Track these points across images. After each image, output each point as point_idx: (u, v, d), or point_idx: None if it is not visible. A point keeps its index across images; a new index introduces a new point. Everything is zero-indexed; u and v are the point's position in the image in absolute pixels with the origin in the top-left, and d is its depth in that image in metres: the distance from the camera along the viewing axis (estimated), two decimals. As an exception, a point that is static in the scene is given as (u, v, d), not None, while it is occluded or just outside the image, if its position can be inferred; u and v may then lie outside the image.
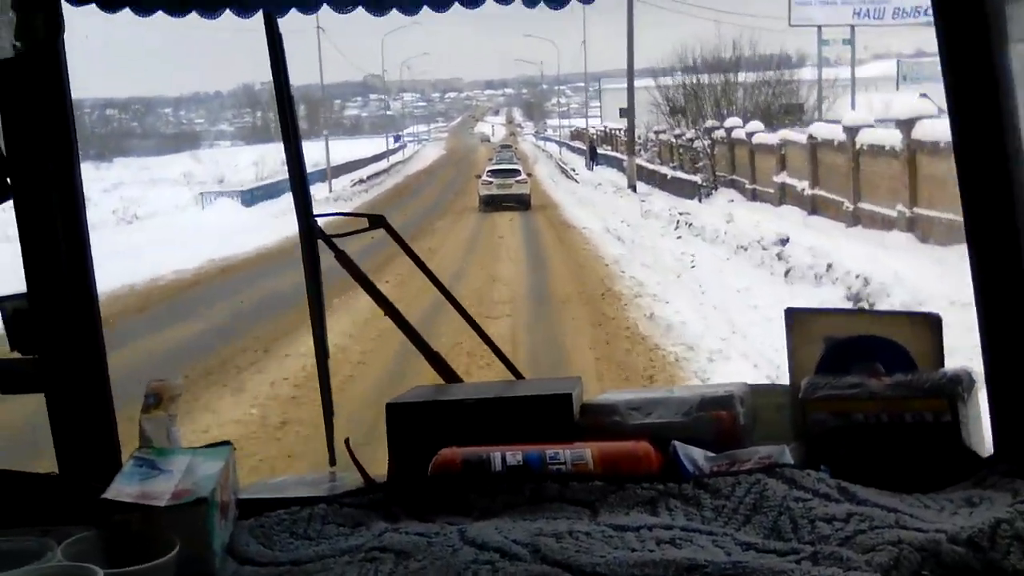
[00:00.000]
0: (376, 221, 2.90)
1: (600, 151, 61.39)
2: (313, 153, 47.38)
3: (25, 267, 2.35)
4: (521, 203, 37.13)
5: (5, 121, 2.30)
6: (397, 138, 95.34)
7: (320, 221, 2.74)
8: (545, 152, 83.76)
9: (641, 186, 41.45)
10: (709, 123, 40.55)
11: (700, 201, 33.70)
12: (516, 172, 39.72)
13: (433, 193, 46.68)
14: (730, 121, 37.72)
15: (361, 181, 54.72)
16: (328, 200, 41.45)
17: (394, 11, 2.30)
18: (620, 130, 58.44)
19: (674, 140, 45.01)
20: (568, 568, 1.62)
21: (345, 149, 64.99)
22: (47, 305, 2.34)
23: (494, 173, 39.47)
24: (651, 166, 45.75)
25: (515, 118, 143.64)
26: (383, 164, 67.66)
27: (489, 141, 72.98)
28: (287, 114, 2.75)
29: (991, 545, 1.65)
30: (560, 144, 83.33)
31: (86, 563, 1.62)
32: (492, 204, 36.80)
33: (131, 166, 59.84)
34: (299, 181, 2.81)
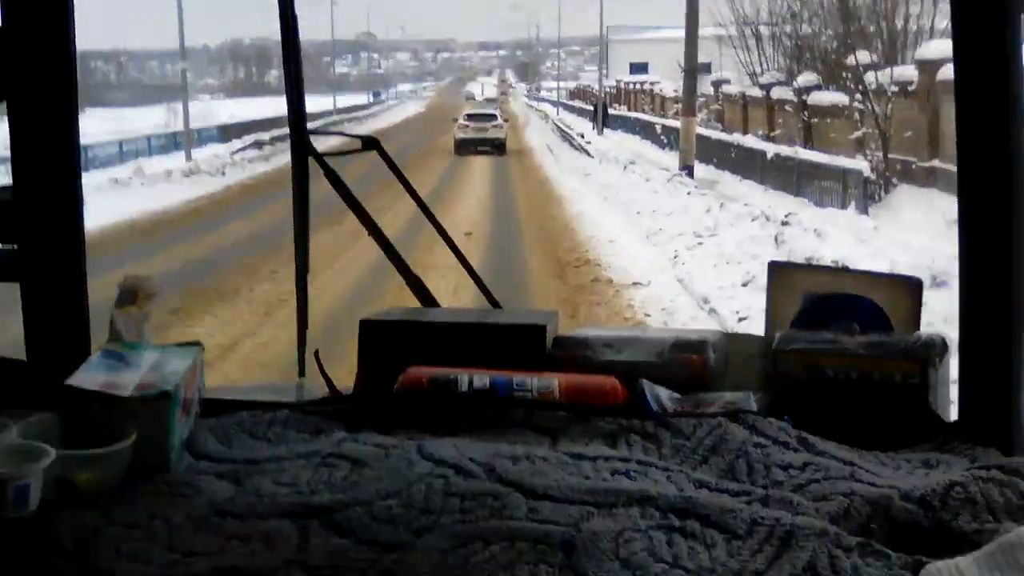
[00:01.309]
0: (369, 143, 2.91)
1: (612, 111, 47.25)
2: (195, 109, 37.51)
3: (12, 159, 2.35)
4: (496, 147, 37.21)
5: (5, 18, 2.28)
6: (376, 94, 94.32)
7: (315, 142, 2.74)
8: (539, 112, 69.20)
9: (701, 167, 25.61)
10: (856, 57, 21.84)
11: (865, 212, 17.54)
12: (493, 117, 39.99)
13: (371, 165, 18.74)
14: (929, 48, 19.28)
15: (259, 145, 35.95)
16: (172, 175, 27.61)
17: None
18: (642, 83, 47.78)
19: (763, 94, 27.46)
20: (520, 488, 1.62)
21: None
22: (31, 197, 2.34)
23: (471, 117, 40.00)
24: (714, 134, 28.41)
25: (508, 79, 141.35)
26: (320, 123, 48.65)
27: (474, 99, 68.64)
28: (288, 33, 2.74)
29: (942, 505, 1.65)
30: (556, 104, 71.07)
31: (43, 443, 1.63)
32: (467, 147, 37.05)
33: (104, 116, 46.03)
34: (296, 98, 2.82)
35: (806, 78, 24.91)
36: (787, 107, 25.74)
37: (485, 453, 1.76)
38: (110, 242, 15.18)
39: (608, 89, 52.99)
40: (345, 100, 69.48)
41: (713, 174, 24.19)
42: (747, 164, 23.83)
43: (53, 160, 2.34)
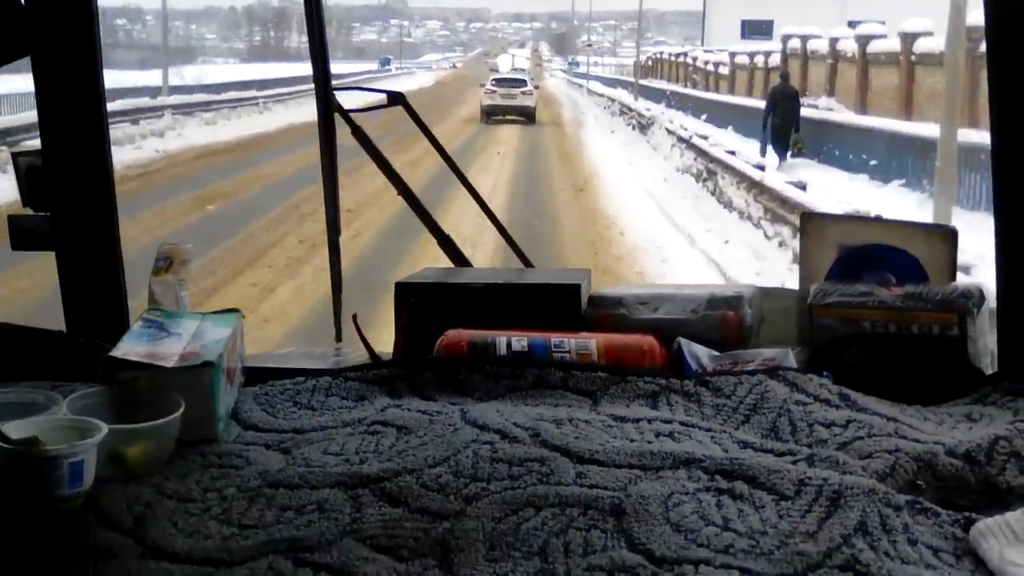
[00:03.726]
0: (395, 99, 2.90)
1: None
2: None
3: (40, 124, 2.35)
4: (525, 116, 36.24)
5: None
6: (384, 62, 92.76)
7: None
8: (596, 97, 48.92)
9: None
10: None
11: None
12: (522, 83, 39.06)
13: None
14: None
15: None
16: None
17: None
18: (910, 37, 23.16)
19: None
20: (566, 453, 1.63)
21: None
22: (61, 162, 2.34)
23: (498, 82, 39.11)
24: None
25: (542, 51, 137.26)
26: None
27: (498, 71, 62.62)
28: None
29: (987, 460, 1.66)
30: (612, 84, 50.82)
31: (91, 417, 1.64)
32: (495, 114, 36.21)
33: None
34: (320, 56, 2.80)
35: None
36: None
37: (528, 417, 1.76)
38: None
39: (711, 62, 32.86)
40: (350, 68, 66.91)
41: None
42: None
43: (81, 125, 2.34)
